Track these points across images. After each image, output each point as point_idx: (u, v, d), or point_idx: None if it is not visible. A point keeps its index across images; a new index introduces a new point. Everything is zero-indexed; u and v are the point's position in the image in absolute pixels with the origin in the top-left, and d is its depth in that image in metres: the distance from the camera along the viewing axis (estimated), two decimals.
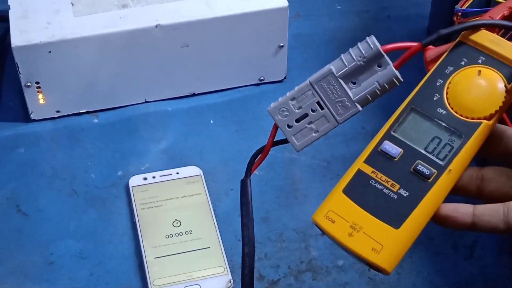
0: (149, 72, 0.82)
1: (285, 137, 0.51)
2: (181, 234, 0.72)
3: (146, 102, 0.84)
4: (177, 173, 0.77)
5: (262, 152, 0.51)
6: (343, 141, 0.81)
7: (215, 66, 0.84)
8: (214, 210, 0.74)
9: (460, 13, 0.72)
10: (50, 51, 0.78)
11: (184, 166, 0.78)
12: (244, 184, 0.52)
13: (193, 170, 0.77)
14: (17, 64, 0.77)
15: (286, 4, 0.81)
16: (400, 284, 0.70)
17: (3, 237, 0.73)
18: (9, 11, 0.81)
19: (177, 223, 0.73)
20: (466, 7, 0.72)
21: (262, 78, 0.86)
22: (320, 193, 0.76)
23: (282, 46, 0.84)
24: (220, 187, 0.77)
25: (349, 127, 0.74)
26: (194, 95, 0.86)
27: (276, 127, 0.50)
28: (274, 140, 0.51)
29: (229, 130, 0.83)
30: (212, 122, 0.83)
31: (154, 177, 0.77)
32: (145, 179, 0.76)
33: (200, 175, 0.77)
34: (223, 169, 0.79)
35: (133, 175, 0.77)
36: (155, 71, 0.82)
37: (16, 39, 0.77)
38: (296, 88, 0.50)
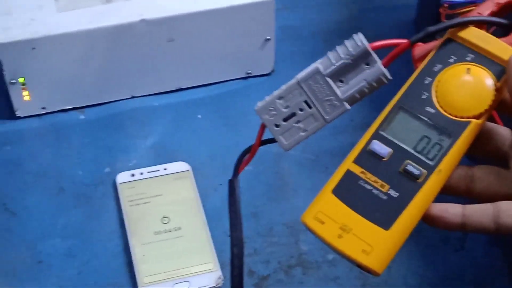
0: (135, 67, 0.81)
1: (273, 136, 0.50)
2: (170, 230, 0.72)
3: (132, 97, 0.84)
4: (165, 169, 0.76)
5: (249, 151, 0.51)
6: (331, 134, 0.81)
7: (202, 60, 0.83)
8: (203, 206, 0.74)
9: (446, 5, 0.72)
10: (34, 48, 0.77)
11: (172, 161, 0.77)
12: (231, 184, 0.51)
13: (181, 166, 0.77)
14: (1, 61, 0.76)
15: None
16: (391, 277, 0.70)
17: None
18: None
19: (165, 219, 0.73)
20: None
21: (249, 71, 0.86)
22: (309, 187, 0.76)
23: (268, 39, 0.83)
24: (209, 183, 0.76)
25: (337, 120, 0.72)
26: (180, 89, 0.85)
27: (263, 127, 0.50)
28: (262, 139, 0.50)
29: (217, 124, 0.82)
30: (199, 117, 0.83)
31: (141, 174, 0.76)
32: (132, 175, 0.76)
33: (188, 170, 0.76)
34: (212, 164, 0.78)
35: (121, 172, 0.76)
36: (141, 66, 0.81)
37: None
38: (283, 87, 0.49)
